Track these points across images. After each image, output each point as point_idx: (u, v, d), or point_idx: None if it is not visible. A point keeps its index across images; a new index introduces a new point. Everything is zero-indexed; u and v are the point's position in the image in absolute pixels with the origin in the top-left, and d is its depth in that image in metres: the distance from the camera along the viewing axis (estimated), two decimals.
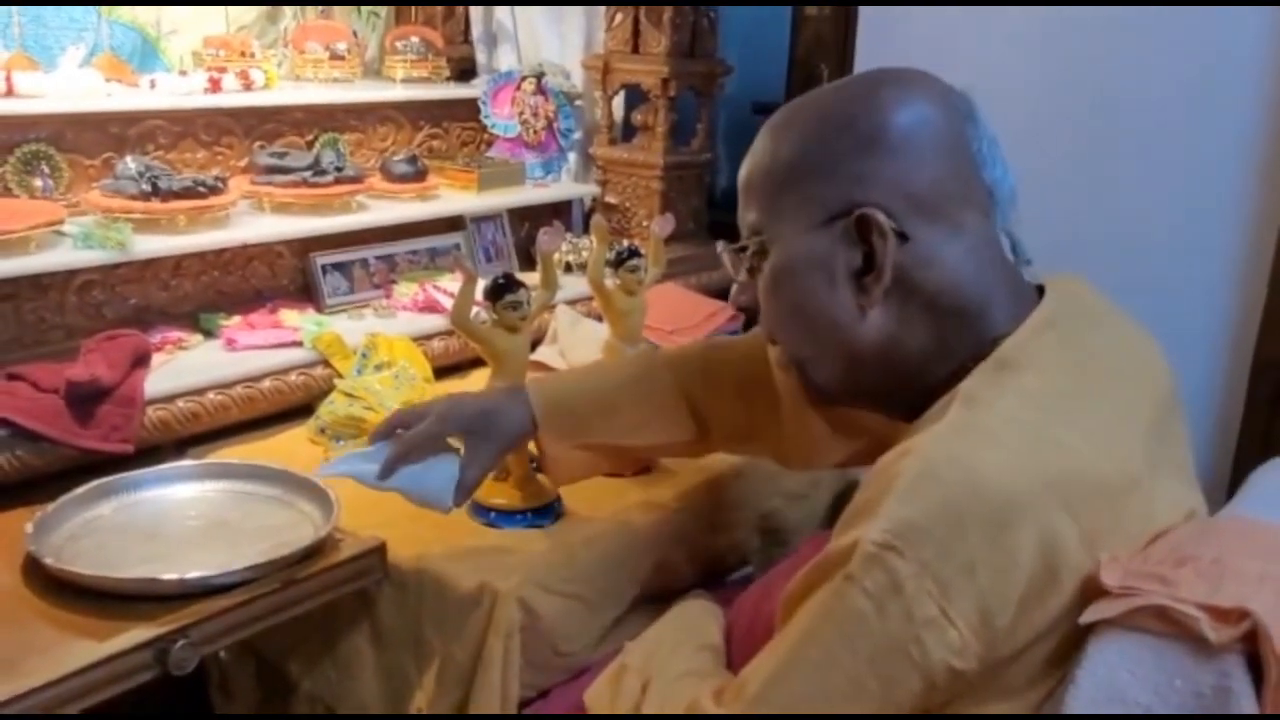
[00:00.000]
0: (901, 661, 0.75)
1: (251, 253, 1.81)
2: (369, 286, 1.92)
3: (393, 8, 2.48)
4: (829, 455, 1.16)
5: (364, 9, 2.43)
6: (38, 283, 1.56)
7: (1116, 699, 0.73)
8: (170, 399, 1.48)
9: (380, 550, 1.20)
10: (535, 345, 1.78)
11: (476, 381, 1.60)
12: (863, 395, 0.94)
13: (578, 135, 2.38)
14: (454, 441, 1.16)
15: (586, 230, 2.29)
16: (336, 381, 1.60)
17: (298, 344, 1.67)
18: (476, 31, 2.51)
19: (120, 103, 1.79)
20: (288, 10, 2.29)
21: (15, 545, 1.13)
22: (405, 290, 1.90)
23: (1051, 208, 1.92)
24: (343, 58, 2.22)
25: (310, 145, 2.02)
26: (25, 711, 0.93)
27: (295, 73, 2.21)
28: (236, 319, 1.74)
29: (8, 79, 1.64)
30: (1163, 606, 0.72)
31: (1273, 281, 1.79)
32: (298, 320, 1.74)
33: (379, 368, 1.63)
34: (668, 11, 2.18)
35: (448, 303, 1.69)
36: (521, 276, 1.35)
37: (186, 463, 1.39)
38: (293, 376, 1.61)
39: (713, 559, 1.41)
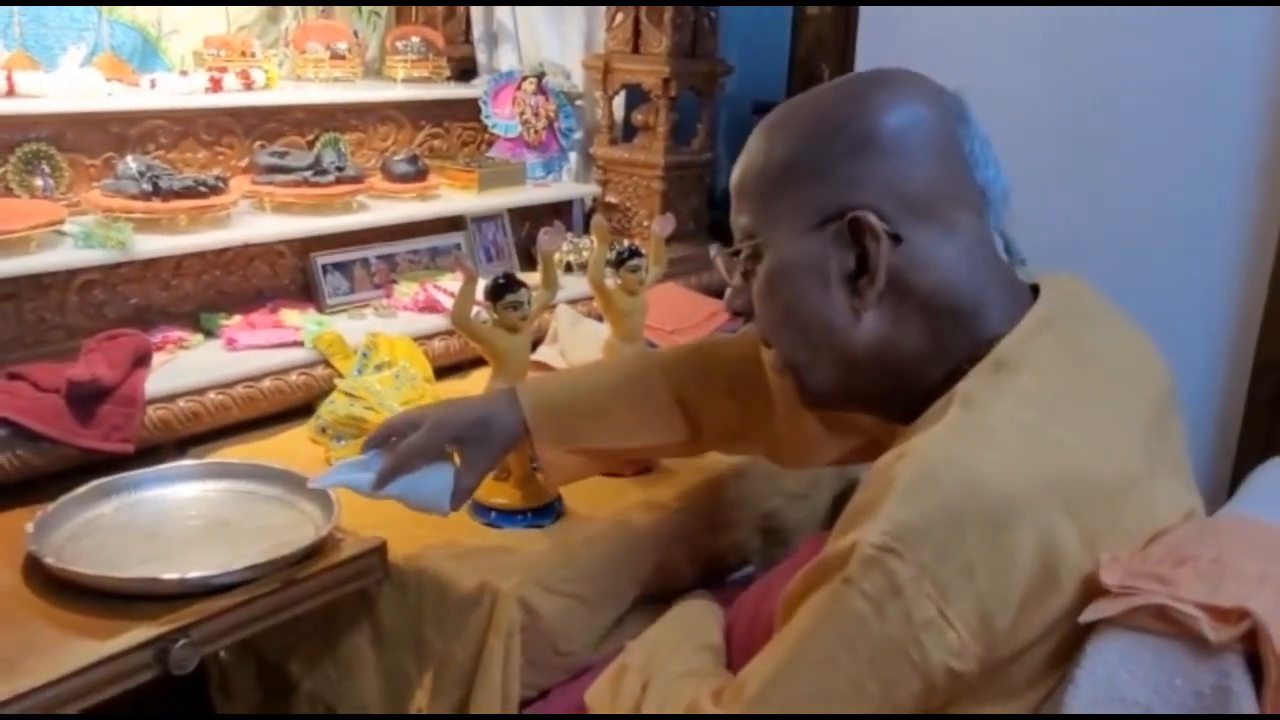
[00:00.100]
0: (901, 663, 0.75)
1: (252, 252, 1.82)
2: (370, 286, 1.92)
3: (393, 8, 2.48)
4: (824, 454, 1.16)
5: (365, 9, 2.43)
6: (38, 282, 1.56)
7: (1116, 699, 0.73)
8: (171, 399, 1.48)
9: (381, 550, 1.20)
10: (536, 345, 1.79)
11: (477, 381, 1.60)
12: (859, 398, 0.94)
13: (578, 135, 2.38)
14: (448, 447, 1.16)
15: (587, 230, 2.29)
16: (337, 381, 1.60)
17: (298, 344, 1.67)
18: (477, 31, 2.51)
19: (121, 102, 1.79)
20: (288, 10, 2.29)
21: (16, 545, 1.14)
22: (406, 290, 1.90)
23: (1051, 208, 1.92)
24: (343, 57, 2.22)
25: (311, 145, 2.02)
26: (25, 711, 0.93)
27: (296, 72, 2.21)
28: (237, 319, 1.74)
29: (9, 78, 1.64)
30: (1162, 606, 0.73)
31: (1273, 281, 1.79)
32: (298, 320, 1.74)
33: (379, 367, 1.63)
34: (668, 11, 2.18)
35: (448, 302, 1.69)
36: (522, 276, 1.35)
37: (187, 462, 1.39)
38: (293, 376, 1.61)
39: (713, 559, 1.41)
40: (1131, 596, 0.73)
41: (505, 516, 1.31)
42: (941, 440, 0.79)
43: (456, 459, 1.15)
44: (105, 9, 1.98)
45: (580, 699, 1.08)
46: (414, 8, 2.49)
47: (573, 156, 2.40)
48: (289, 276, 1.87)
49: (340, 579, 1.17)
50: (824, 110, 0.89)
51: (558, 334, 1.88)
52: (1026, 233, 0.94)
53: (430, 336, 1.78)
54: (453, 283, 1.89)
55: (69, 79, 1.72)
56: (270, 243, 1.82)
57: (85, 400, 1.38)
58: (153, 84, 1.86)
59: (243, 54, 2.02)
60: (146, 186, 1.65)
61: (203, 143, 1.90)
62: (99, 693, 0.98)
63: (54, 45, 1.89)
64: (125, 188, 1.66)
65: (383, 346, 1.66)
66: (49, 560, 1.09)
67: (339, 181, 1.88)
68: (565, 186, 2.34)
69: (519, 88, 2.26)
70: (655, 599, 1.27)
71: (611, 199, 2.34)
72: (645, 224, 2.23)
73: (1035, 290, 0.90)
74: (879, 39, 2.22)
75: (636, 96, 2.30)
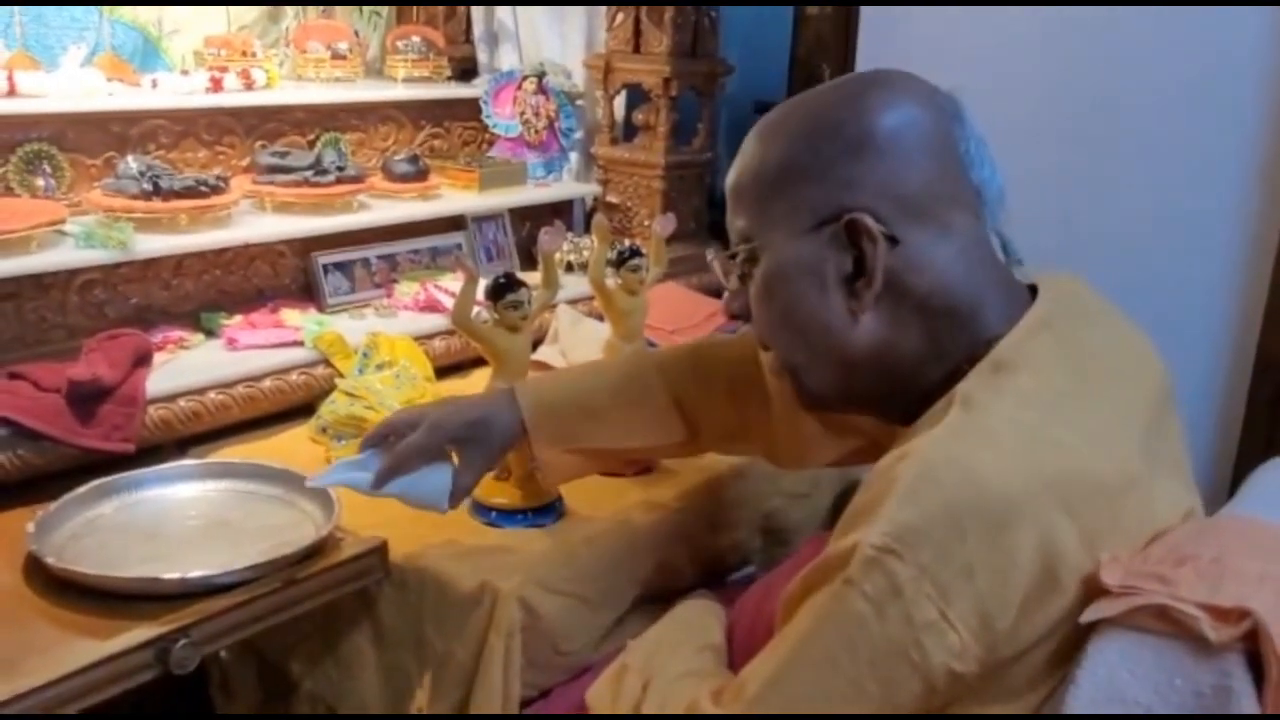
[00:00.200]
0: (901, 665, 0.75)
1: (253, 252, 1.82)
2: (370, 286, 1.92)
3: (394, 7, 2.48)
4: (822, 455, 1.16)
5: (365, 9, 2.43)
6: (39, 282, 1.56)
7: (1116, 698, 0.73)
8: (171, 398, 1.48)
9: (381, 550, 1.21)
10: (536, 345, 1.79)
11: (478, 381, 1.60)
12: (857, 400, 0.94)
13: (579, 135, 2.38)
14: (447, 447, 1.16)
15: (588, 230, 2.29)
16: (338, 381, 1.60)
17: (299, 343, 1.67)
18: (478, 31, 2.51)
19: (122, 102, 1.79)
20: (289, 10, 2.29)
21: (16, 545, 1.14)
22: (406, 290, 1.90)
23: (1052, 208, 1.92)
24: (344, 57, 2.22)
25: (312, 145, 2.02)
26: (25, 711, 0.93)
27: (297, 72, 2.21)
28: (238, 318, 1.74)
29: (9, 78, 1.64)
30: (1163, 606, 0.73)
31: (1273, 281, 1.79)
32: (299, 320, 1.75)
33: (380, 367, 1.63)
34: (669, 11, 2.18)
35: (449, 302, 1.69)
36: (523, 276, 1.35)
37: (188, 462, 1.39)
38: (294, 376, 1.62)
39: (714, 559, 1.41)
40: (1132, 596, 0.73)
41: (506, 516, 1.31)
42: (942, 441, 0.79)
43: (455, 458, 1.16)
44: (106, 9, 1.98)
45: (581, 699, 1.08)
46: (415, 7, 2.49)
47: (573, 156, 2.40)
48: (290, 276, 1.87)
49: (341, 579, 1.17)
50: (819, 112, 0.89)
51: (558, 334, 1.88)
52: (1026, 233, 0.94)
53: (431, 336, 1.79)
54: (453, 282, 1.89)
55: (70, 79, 1.72)
56: (271, 242, 1.82)
57: (86, 400, 1.38)
58: (153, 84, 1.86)
59: (243, 54, 2.02)
60: (147, 186, 1.65)
61: (203, 142, 1.90)
62: (99, 692, 0.99)
63: (55, 45, 1.89)
64: (126, 187, 1.67)
65: (383, 346, 1.66)
66: (50, 560, 1.09)
67: (340, 181, 1.88)
68: (566, 186, 2.34)
69: (519, 87, 2.26)
70: (656, 599, 1.27)
71: (612, 199, 2.34)
72: (646, 224, 2.23)
73: (1033, 290, 0.90)
74: (879, 39, 2.22)
75: (637, 96, 2.30)
